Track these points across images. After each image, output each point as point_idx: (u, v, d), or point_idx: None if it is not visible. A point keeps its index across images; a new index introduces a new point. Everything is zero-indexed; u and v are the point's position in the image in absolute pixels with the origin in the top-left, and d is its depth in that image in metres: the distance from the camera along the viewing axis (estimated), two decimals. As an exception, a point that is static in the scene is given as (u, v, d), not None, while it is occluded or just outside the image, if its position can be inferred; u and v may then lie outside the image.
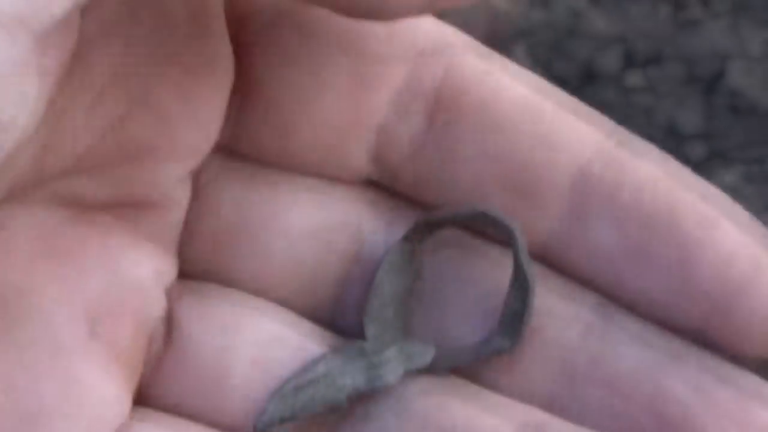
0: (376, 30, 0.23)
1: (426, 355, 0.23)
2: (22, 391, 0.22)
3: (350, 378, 0.23)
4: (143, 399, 0.24)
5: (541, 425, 0.22)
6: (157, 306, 0.23)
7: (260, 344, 0.23)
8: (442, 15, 0.61)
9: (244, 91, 0.24)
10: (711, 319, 0.22)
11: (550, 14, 0.60)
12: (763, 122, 0.67)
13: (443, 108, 0.24)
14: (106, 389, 0.22)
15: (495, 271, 0.24)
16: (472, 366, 0.24)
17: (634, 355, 0.23)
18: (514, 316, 0.23)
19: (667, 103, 0.57)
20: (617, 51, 0.68)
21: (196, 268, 0.24)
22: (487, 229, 0.24)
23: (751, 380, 0.22)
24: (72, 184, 0.23)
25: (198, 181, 0.25)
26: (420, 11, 0.21)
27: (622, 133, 0.23)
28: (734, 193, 0.74)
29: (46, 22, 0.17)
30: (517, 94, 0.23)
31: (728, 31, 0.68)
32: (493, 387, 0.23)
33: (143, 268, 0.23)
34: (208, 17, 0.23)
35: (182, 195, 0.24)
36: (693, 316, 0.22)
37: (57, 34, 0.18)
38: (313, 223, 0.24)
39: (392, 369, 0.23)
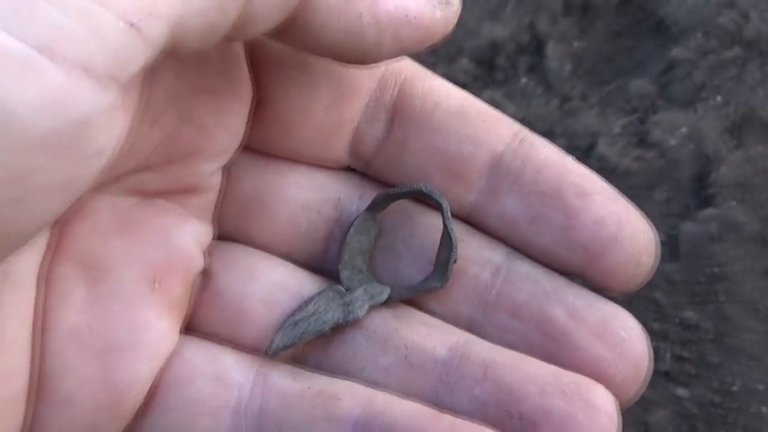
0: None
1: (383, 293, 0.27)
2: (101, 331, 0.25)
3: (331, 314, 0.26)
4: (187, 330, 0.27)
5: (466, 345, 0.26)
6: (198, 264, 0.26)
7: (269, 289, 0.26)
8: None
9: (260, 106, 0.27)
10: (587, 265, 0.26)
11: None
12: (620, 180, 0.75)
13: (398, 117, 0.27)
14: (161, 328, 0.25)
15: (432, 231, 0.28)
16: (417, 298, 0.28)
17: (529, 290, 0.26)
18: (443, 264, 0.27)
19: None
20: (522, 128, 0.78)
21: (226, 230, 0.28)
22: (425, 200, 0.28)
23: (613, 307, 0.26)
24: (138, 178, 0.25)
25: (227, 170, 0.27)
26: (393, 57, 0.24)
27: (525, 131, 0.26)
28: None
29: (129, 75, 0.19)
30: (451, 105, 0.27)
31: (598, 117, 0.79)
32: (432, 312, 0.27)
33: (189, 238, 0.26)
34: (234, 58, 0.25)
35: (216, 182, 0.27)
36: (575, 263, 0.26)
37: (134, 81, 0.20)
38: (308, 198, 0.27)
39: (360, 305, 0.26)
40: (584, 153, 0.77)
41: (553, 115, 0.77)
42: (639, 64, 0.80)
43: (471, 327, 0.27)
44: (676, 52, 0.79)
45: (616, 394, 0.25)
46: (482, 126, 0.26)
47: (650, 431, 0.68)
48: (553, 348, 0.26)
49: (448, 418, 0.25)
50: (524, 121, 0.65)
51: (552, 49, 0.80)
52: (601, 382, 0.25)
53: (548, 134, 0.76)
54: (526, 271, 0.27)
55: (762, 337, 0.69)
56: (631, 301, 0.70)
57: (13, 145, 0.18)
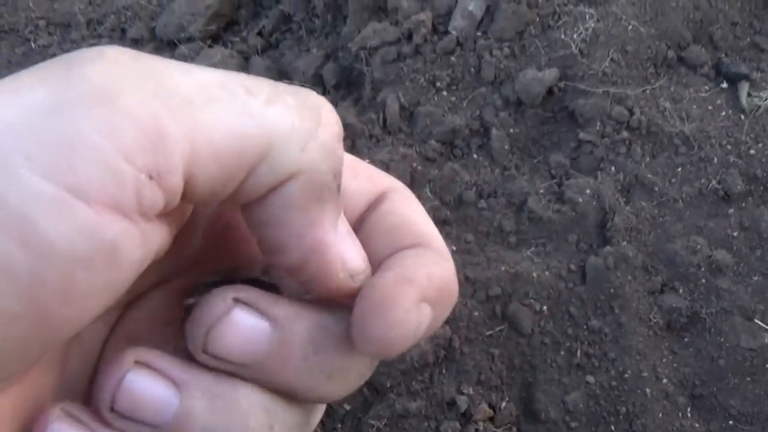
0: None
1: None
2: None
3: None
4: None
5: None
6: None
7: None
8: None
9: None
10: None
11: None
12: (544, 226, 0.84)
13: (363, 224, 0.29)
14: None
15: None
16: None
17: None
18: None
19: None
20: (474, 190, 0.84)
21: None
22: None
23: None
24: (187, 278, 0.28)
25: None
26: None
27: (432, 240, 0.28)
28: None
29: (155, 211, 0.21)
30: (393, 221, 0.28)
31: (528, 181, 0.87)
32: None
33: None
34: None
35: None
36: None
37: (173, 211, 0.22)
38: None
39: None
40: (518, 207, 0.85)
41: (496, 180, 0.86)
42: (556, 144, 0.88)
43: None
44: (583, 135, 0.87)
45: None
46: (401, 229, 0.28)
47: (567, 407, 0.76)
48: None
49: None
50: (475, 185, 0.85)
51: (495, 134, 0.87)
52: None
53: (492, 194, 0.85)
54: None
55: (645, 339, 0.77)
56: (553, 314, 0.78)
57: (57, 265, 0.19)
